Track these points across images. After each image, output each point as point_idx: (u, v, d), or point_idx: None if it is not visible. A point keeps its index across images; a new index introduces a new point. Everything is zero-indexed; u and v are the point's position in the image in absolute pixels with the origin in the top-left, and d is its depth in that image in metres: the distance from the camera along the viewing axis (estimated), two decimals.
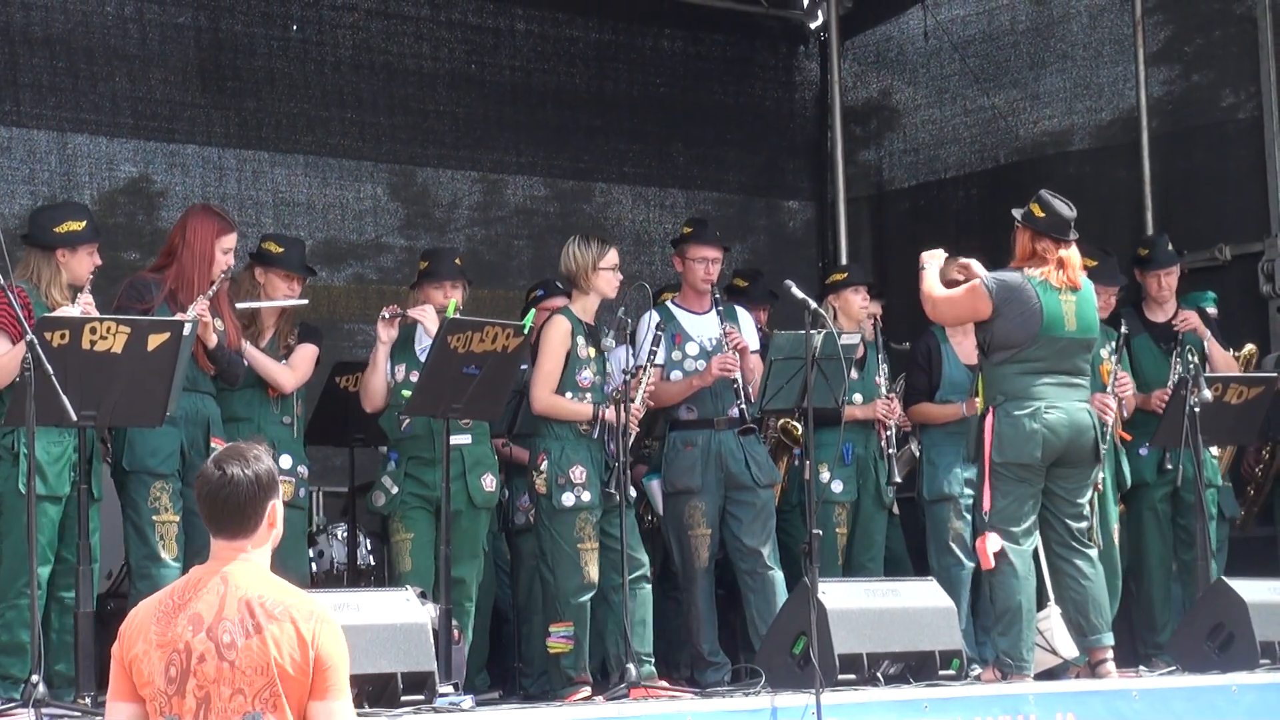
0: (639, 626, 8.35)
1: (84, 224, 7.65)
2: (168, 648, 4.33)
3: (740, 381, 8.79)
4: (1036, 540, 8.43)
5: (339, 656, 4.42)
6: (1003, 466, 8.28)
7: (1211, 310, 10.33)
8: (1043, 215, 8.40)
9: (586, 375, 8.48)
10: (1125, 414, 9.67)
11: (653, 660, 8.45)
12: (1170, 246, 10.22)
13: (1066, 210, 8.39)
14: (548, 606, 8.50)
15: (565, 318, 8.53)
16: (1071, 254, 8.39)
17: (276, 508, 4.60)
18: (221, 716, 4.29)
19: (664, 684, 8.23)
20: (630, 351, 8.45)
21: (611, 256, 8.56)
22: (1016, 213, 8.49)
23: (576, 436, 8.46)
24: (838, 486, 9.42)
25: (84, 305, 7.32)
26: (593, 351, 8.53)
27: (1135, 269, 10.28)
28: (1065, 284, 8.34)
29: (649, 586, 8.50)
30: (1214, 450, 9.92)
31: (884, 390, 9.54)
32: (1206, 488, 9.86)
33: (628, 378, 8.33)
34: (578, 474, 8.38)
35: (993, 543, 8.25)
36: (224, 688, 4.30)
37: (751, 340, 9.14)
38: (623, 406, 8.21)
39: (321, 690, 4.38)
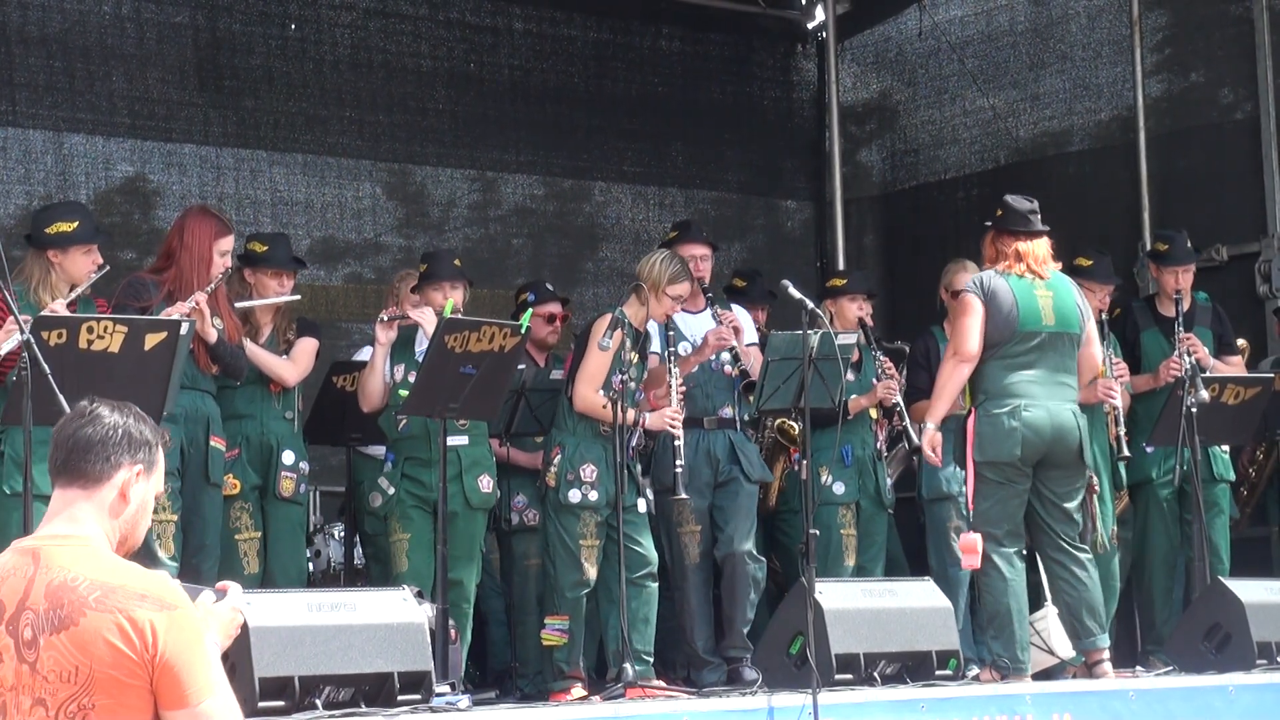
0: (641, 624, 8.35)
1: (75, 224, 7.62)
2: None
3: (738, 346, 8.82)
4: (1022, 541, 8.41)
5: (194, 651, 3.48)
6: (984, 467, 8.25)
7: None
8: (1000, 214, 8.50)
9: (620, 379, 8.46)
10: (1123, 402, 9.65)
11: (652, 659, 8.46)
12: (1189, 244, 10.21)
13: (1024, 204, 8.46)
14: (546, 600, 8.52)
15: (619, 319, 8.54)
16: (1031, 246, 8.41)
17: (131, 485, 3.65)
18: None
19: (661, 683, 8.24)
20: (674, 365, 8.50)
21: (682, 288, 8.53)
22: (987, 224, 8.57)
23: (593, 435, 8.46)
24: (839, 488, 9.43)
25: (50, 309, 7.25)
26: (635, 357, 8.53)
27: (1151, 263, 10.28)
28: (1025, 274, 8.37)
29: (655, 585, 8.50)
30: (1224, 446, 9.92)
31: (883, 376, 9.51)
32: (1218, 483, 9.87)
33: (625, 378, 8.33)
34: (588, 472, 8.39)
35: (978, 543, 8.25)
36: (23, 696, 3.45)
37: (749, 337, 9.16)
38: (619, 406, 8.20)
39: (178, 697, 3.46)
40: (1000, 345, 8.30)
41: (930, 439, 8.43)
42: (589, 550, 8.37)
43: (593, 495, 8.36)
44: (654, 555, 8.48)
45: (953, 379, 8.35)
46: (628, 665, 7.91)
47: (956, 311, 8.56)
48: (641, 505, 8.35)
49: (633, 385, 8.50)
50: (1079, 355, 8.46)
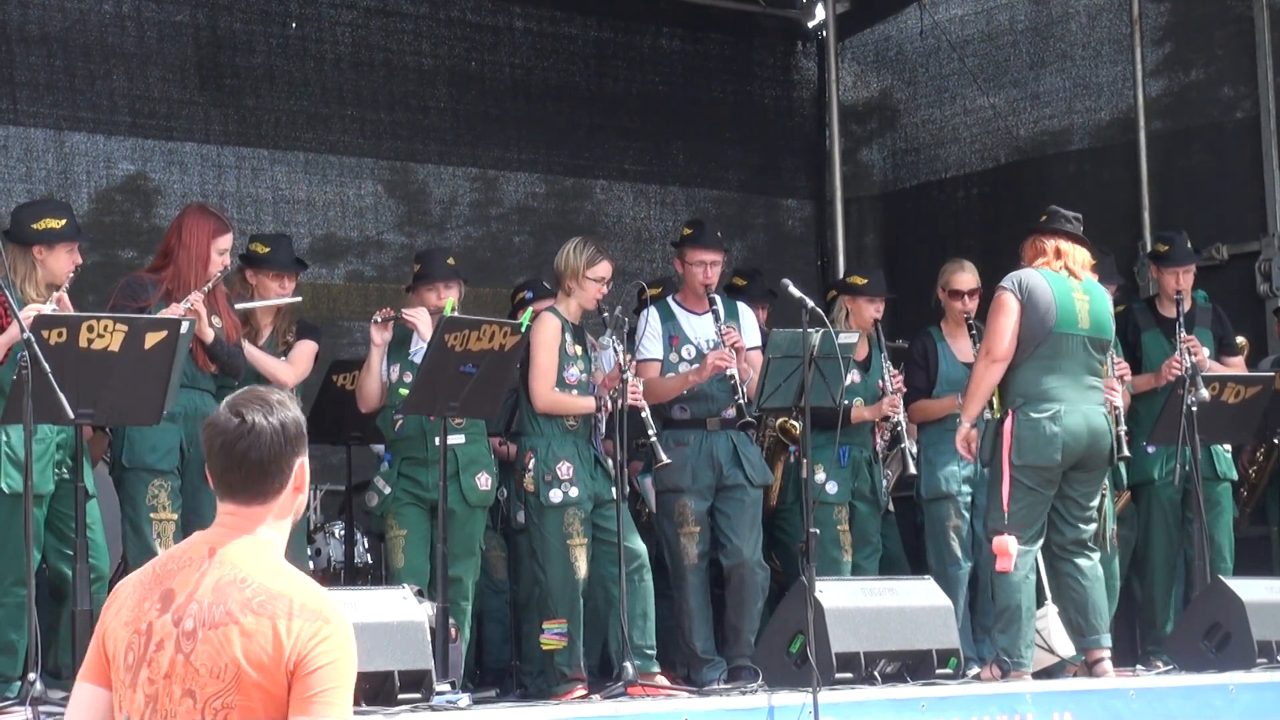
0: (640, 619, 8.35)
1: (63, 222, 7.58)
2: (132, 626, 3.52)
3: (737, 377, 8.81)
4: (1042, 540, 8.42)
5: (334, 666, 3.45)
6: (1020, 471, 8.27)
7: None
8: (1044, 219, 8.56)
9: (573, 373, 8.51)
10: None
11: (655, 653, 8.45)
12: (1189, 245, 10.21)
13: (1068, 212, 8.52)
14: (541, 605, 8.52)
15: (554, 315, 8.56)
16: (1071, 247, 8.45)
17: (305, 467, 3.62)
18: None
19: (664, 680, 8.24)
20: (623, 348, 8.47)
21: (602, 268, 8.55)
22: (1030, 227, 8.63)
23: (563, 433, 8.47)
24: (832, 488, 9.42)
25: (54, 303, 7.23)
26: (579, 349, 8.56)
27: (1152, 264, 10.29)
28: (1062, 270, 8.38)
29: (650, 578, 8.50)
30: (1226, 445, 9.91)
31: (890, 390, 9.51)
32: (1221, 482, 9.87)
33: (625, 375, 8.34)
34: (564, 470, 8.39)
35: (1013, 545, 8.24)
36: (175, 686, 3.46)
37: (753, 337, 9.15)
38: (619, 404, 8.20)
39: (301, 704, 3.42)
40: (1035, 345, 8.30)
41: (965, 436, 8.45)
42: (578, 548, 8.38)
43: (573, 492, 8.37)
44: (642, 546, 8.48)
45: (985, 379, 8.38)
46: (628, 664, 7.91)
47: (992, 310, 8.54)
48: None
49: (585, 378, 8.52)
50: None
